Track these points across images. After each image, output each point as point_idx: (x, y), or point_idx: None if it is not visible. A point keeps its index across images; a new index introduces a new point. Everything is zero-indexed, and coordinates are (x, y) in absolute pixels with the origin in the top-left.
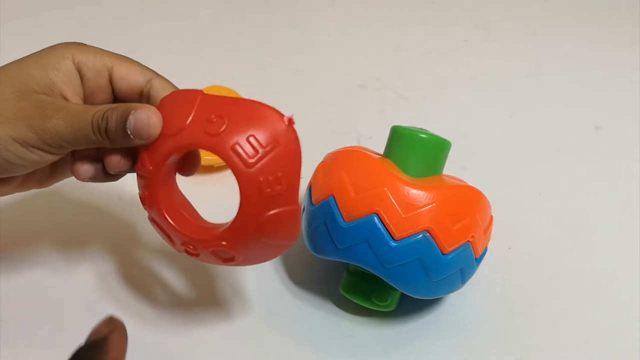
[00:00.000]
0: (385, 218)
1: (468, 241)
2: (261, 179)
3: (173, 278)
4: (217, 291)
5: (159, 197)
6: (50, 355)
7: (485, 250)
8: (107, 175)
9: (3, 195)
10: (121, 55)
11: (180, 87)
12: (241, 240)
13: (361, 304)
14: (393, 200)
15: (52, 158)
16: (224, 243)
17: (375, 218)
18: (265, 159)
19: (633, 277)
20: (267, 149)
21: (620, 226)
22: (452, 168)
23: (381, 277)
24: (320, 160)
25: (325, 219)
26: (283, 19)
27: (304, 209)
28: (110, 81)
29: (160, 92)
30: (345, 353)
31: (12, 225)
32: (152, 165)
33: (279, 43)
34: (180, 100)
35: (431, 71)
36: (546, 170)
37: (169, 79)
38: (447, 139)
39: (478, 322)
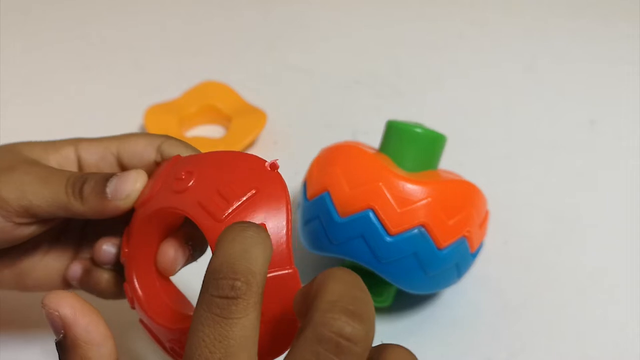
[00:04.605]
0: (381, 213)
1: (464, 236)
2: None
3: None
4: None
5: (138, 287)
6: None
7: (481, 245)
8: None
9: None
10: (127, 134)
11: (174, 85)
12: None
13: None
14: (388, 195)
15: (3, 224)
16: None
17: (371, 213)
18: (239, 210)
19: (628, 272)
20: (243, 199)
21: (616, 221)
22: (447, 163)
23: (377, 272)
24: (315, 155)
25: (319, 214)
26: (278, 15)
27: (299, 204)
28: (121, 165)
29: (172, 154)
30: None
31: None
32: (127, 247)
33: (274, 39)
34: (159, 168)
35: (426, 66)
36: (542, 165)
37: (165, 75)
38: (443, 133)
39: (474, 317)
